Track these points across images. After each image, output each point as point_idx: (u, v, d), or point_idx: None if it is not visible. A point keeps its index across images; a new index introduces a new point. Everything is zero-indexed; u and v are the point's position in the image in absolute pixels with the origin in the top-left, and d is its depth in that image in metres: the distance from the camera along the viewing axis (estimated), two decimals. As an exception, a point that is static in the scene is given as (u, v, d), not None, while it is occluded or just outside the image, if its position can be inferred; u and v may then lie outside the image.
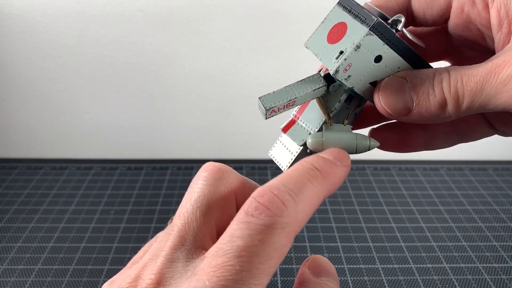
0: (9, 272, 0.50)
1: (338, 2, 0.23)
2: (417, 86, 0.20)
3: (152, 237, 0.56)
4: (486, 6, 0.21)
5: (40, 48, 0.69)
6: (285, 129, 0.25)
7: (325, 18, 0.23)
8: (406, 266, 0.51)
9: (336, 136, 0.23)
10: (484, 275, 0.50)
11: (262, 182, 0.61)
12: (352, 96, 0.24)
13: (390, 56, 0.21)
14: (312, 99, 0.23)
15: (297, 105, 0.23)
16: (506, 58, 0.18)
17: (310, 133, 0.24)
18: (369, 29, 0.20)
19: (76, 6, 0.66)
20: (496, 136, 0.25)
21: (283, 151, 0.25)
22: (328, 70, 0.22)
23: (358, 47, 0.21)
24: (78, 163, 0.75)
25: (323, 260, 0.22)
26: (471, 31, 0.23)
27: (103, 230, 0.57)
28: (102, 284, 0.48)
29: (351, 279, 0.49)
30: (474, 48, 0.24)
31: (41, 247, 0.54)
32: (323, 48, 0.22)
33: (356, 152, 0.23)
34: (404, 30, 0.22)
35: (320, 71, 0.24)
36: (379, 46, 0.21)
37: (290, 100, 0.22)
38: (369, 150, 0.23)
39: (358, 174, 0.72)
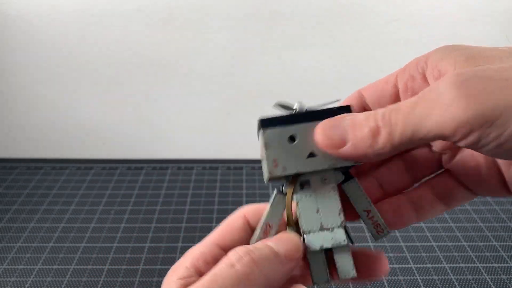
0: (9, 272, 0.50)
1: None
2: (355, 121, 0.21)
3: (152, 237, 0.56)
4: (424, 77, 0.22)
5: (40, 48, 0.69)
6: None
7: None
8: (406, 266, 0.51)
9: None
10: (484, 275, 0.50)
11: (261, 182, 0.60)
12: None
13: (301, 128, 0.23)
14: (281, 212, 0.24)
15: (275, 225, 0.24)
16: (433, 85, 0.19)
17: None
18: (260, 129, 0.23)
19: (76, 6, 0.66)
20: None
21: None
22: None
23: (266, 144, 0.22)
24: (78, 163, 0.75)
25: None
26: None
27: (103, 230, 0.57)
28: (102, 284, 0.48)
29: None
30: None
31: (41, 247, 0.54)
32: (263, 169, 0.24)
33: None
34: (312, 106, 0.23)
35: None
36: (282, 131, 0.22)
37: (263, 227, 0.24)
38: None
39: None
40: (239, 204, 0.50)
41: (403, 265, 0.51)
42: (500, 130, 0.17)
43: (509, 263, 0.52)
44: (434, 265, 0.51)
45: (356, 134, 0.20)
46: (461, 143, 0.18)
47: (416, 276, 0.50)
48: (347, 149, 0.21)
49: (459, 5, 0.67)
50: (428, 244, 0.55)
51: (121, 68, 0.71)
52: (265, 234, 0.24)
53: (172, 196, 0.65)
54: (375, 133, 0.20)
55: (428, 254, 0.53)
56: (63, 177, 0.70)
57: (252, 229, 0.25)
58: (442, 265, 0.52)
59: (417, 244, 0.55)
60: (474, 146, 0.18)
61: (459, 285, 0.48)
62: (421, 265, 0.51)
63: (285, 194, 0.24)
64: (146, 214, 0.61)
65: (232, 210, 0.26)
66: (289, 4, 0.67)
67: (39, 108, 0.74)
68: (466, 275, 0.50)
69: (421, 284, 0.49)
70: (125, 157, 0.77)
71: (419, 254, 0.53)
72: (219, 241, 0.24)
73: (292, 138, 0.23)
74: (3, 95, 0.73)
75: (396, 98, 0.24)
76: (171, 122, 0.75)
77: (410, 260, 0.52)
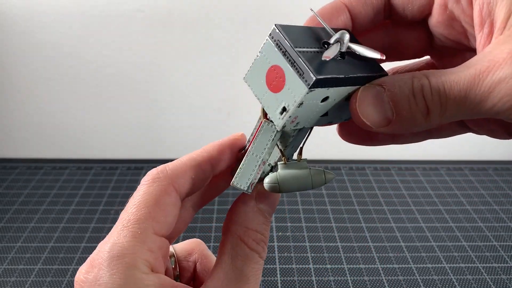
0: (9, 272, 0.50)
1: (270, 35, 0.20)
2: (396, 94, 0.19)
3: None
4: (471, 3, 0.20)
5: (40, 48, 0.69)
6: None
7: (259, 52, 0.21)
8: (406, 266, 0.51)
9: (291, 176, 0.23)
10: (484, 275, 0.50)
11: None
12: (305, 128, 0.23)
13: (337, 91, 0.20)
14: (273, 146, 0.23)
15: (268, 163, 0.23)
16: (489, 64, 0.17)
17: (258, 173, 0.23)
18: (309, 89, 0.19)
19: (76, 6, 0.66)
20: None
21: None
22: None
23: (300, 104, 0.20)
24: (78, 163, 0.75)
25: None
26: (454, 28, 0.22)
27: (103, 230, 0.57)
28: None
29: (351, 279, 0.49)
30: (455, 46, 0.23)
31: (41, 247, 0.54)
32: (265, 94, 0.21)
33: (312, 188, 0.23)
34: (354, 47, 0.21)
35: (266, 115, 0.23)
36: (322, 93, 0.20)
37: (259, 164, 0.22)
38: (325, 183, 0.23)
39: (358, 174, 0.72)
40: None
41: (403, 265, 0.51)
42: None
43: (509, 263, 0.52)
44: (434, 265, 0.51)
45: (401, 114, 0.18)
46: None
47: (416, 276, 0.50)
48: (391, 128, 0.19)
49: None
50: (428, 244, 0.55)
51: (121, 68, 0.71)
52: (259, 170, 0.23)
53: (172, 196, 0.65)
54: (425, 114, 0.18)
55: (428, 254, 0.53)
56: (63, 177, 0.70)
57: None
58: (442, 265, 0.52)
59: (417, 244, 0.55)
60: None
61: (459, 285, 0.48)
62: (421, 265, 0.51)
63: (272, 125, 0.22)
64: (146, 214, 0.61)
65: (232, 210, 0.25)
66: (289, 4, 0.67)
67: (39, 108, 0.74)
68: (466, 275, 0.50)
69: (421, 284, 0.49)
70: (125, 157, 0.77)
71: (419, 254, 0.53)
72: (153, 226, 0.22)
73: (324, 99, 0.20)
74: (3, 95, 0.73)
75: (429, 7, 0.22)
76: (171, 122, 0.75)
77: (410, 260, 0.52)
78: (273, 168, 0.24)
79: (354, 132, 0.25)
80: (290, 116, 0.20)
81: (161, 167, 0.23)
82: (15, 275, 0.50)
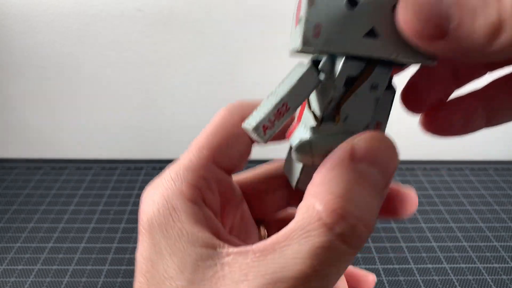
0: (9, 272, 0.50)
1: None
2: (465, 3, 0.13)
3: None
4: None
5: (40, 48, 0.69)
6: (288, 135, 0.20)
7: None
8: (407, 266, 0.51)
9: (324, 145, 0.17)
10: (485, 275, 0.50)
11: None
12: (355, 76, 0.17)
13: None
14: (308, 93, 0.17)
15: (292, 108, 0.17)
16: None
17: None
18: None
19: (76, 6, 0.66)
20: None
21: (291, 166, 0.20)
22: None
23: (311, 1, 0.15)
24: (78, 163, 0.74)
25: (378, 141, 0.16)
26: None
27: (102, 231, 0.57)
28: (101, 284, 0.48)
29: (351, 280, 0.49)
30: None
31: (40, 247, 0.54)
32: (293, 36, 0.16)
33: None
34: None
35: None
36: None
37: (278, 105, 0.16)
38: None
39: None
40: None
41: (404, 266, 0.51)
42: None
43: (510, 264, 0.52)
44: (434, 266, 0.51)
45: (464, 23, 0.13)
46: None
47: (416, 276, 0.50)
48: (446, 43, 0.14)
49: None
50: (429, 244, 0.55)
51: (120, 68, 0.70)
52: (278, 115, 0.16)
53: (172, 196, 0.65)
54: (495, 29, 0.13)
55: (428, 255, 0.53)
56: (62, 177, 0.70)
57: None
58: (443, 265, 0.51)
59: (418, 244, 0.55)
60: None
61: (459, 286, 0.48)
62: (422, 266, 0.51)
63: (320, 72, 0.17)
64: (146, 214, 0.60)
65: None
66: (289, 4, 0.66)
67: (39, 108, 0.73)
68: (466, 276, 0.50)
69: (422, 285, 0.48)
70: (124, 157, 0.76)
71: (419, 255, 0.53)
72: (214, 155, 0.19)
73: (352, 2, 0.15)
74: (3, 95, 0.73)
75: None
76: (171, 122, 0.75)
77: (411, 261, 0.52)
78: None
79: (452, 122, 0.18)
80: (307, 20, 0.15)
81: (237, 101, 0.20)
82: (15, 275, 0.50)
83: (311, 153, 0.17)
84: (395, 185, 0.20)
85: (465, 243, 0.55)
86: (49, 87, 0.72)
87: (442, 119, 0.19)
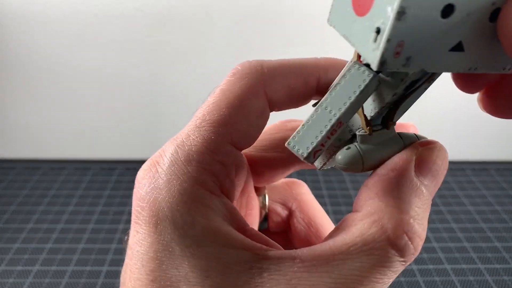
0: (7, 273, 0.50)
1: None
2: None
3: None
4: None
5: (39, 48, 0.69)
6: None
7: None
8: (408, 267, 0.51)
9: (377, 156, 0.16)
10: (486, 276, 0.50)
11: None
12: (418, 80, 0.15)
13: None
14: (363, 103, 0.15)
15: (345, 124, 0.15)
16: None
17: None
18: None
19: (76, 6, 0.66)
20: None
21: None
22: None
23: (402, 12, 0.12)
24: (77, 164, 0.74)
25: (435, 154, 0.14)
26: None
27: (101, 231, 0.57)
28: (100, 285, 0.48)
29: (352, 281, 0.49)
30: None
31: (39, 248, 0.54)
32: (352, 24, 0.14)
33: None
34: None
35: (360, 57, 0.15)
36: None
37: (332, 125, 0.14)
38: None
39: (359, 174, 0.71)
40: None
41: (405, 266, 0.51)
42: None
43: (511, 264, 0.51)
44: (435, 266, 0.51)
45: None
46: None
47: (417, 277, 0.49)
48: None
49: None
50: (430, 245, 0.55)
51: (120, 68, 0.70)
52: (331, 135, 0.15)
53: (171, 196, 0.65)
54: None
55: (429, 255, 0.53)
56: (61, 177, 0.70)
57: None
58: (444, 266, 0.51)
59: (419, 245, 0.55)
60: None
61: (460, 286, 0.48)
62: (423, 266, 0.51)
63: (364, 70, 0.15)
64: (145, 215, 0.60)
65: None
66: (289, 4, 0.66)
67: (37, 108, 0.73)
68: (467, 276, 0.50)
69: (423, 285, 0.48)
70: (124, 158, 0.76)
71: (420, 256, 0.53)
72: (232, 135, 0.15)
73: (447, 11, 0.12)
74: (2, 95, 0.72)
75: None
76: (171, 122, 0.75)
77: (412, 261, 0.52)
78: (353, 139, 0.17)
79: (505, 97, 0.15)
80: (389, 39, 0.12)
81: (255, 62, 0.16)
82: (13, 276, 0.49)
83: (362, 166, 0.16)
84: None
85: (466, 244, 0.55)
86: (48, 87, 0.72)
87: (502, 99, 0.15)
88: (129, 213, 0.60)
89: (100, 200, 0.64)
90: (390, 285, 0.51)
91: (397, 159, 0.15)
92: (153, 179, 0.15)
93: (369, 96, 0.15)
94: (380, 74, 0.15)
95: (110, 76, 0.71)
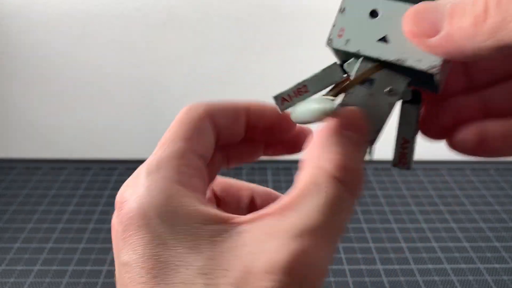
0: (8, 273, 0.50)
1: None
2: (457, 5, 0.16)
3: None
4: None
5: (39, 48, 0.69)
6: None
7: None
8: (407, 267, 0.51)
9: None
10: (486, 276, 0.50)
11: (262, 183, 0.60)
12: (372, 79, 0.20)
13: (387, 6, 0.19)
14: (328, 83, 0.20)
15: (311, 92, 0.20)
16: None
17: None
18: None
19: (76, 6, 0.66)
20: None
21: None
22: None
23: (342, 9, 0.20)
24: (77, 163, 0.74)
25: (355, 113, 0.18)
26: None
27: (102, 231, 0.57)
28: (101, 285, 0.48)
29: (351, 280, 0.49)
30: None
31: (40, 247, 0.54)
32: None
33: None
34: None
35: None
36: (366, 0, 0.19)
37: (299, 85, 0.20)
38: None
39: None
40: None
41: (404, 266, 0.51)
42: None
43: (511, 264, 0.52)
44: (435, 266, 0.51)
45: (454, 21, 0.15)
46: None
47: (417, 277, 0.49)
48: (437, 38, 0.16)
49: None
50: (429, 245, 0.55)
51: (120, 68, 0.70)
52: (297, 93, 0.20)
53: (171, 196, 0.65)
54: (481, 19, 0.15)
55: (429, 255, 0.53)
56: (61, 177, 0.70)
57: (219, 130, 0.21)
58: (443, 266, 0.51)
59: (418, 244, 0.55)
60: None
61: (460, 286, 0.48)
62: (422, 266, 0.51)
63: (342, 72, 0.20)
64: (146, 215, 0.60)
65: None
66: (289, 4, 0.66)
67: (38, 108, 0.73)
68: (467, 276, 0.50)
69: (422, 285, 0.48)
70: (124, 158, 0.76)
71: (420, 255, 0.53)
72: (191, 146, 0.20)
73: (373, 13, 0.19)
74: (3, 95, 0.72)
75: None
76: (170, 122, 0.75)
77: (411, 261, 0.52)
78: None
79: (466, 140, 0.19)
80: (334, 25, 0.20)
81: (201, 103, 0.22)
82: (14, 276, 0.49)
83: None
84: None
85: (466, 244, 0.55)
86: (48, 87, 0.72)
87: (461, 140, 0.20)
88: (129, 213, 0.61)
89: (100, 200, 0.64)
90: (391, 284, 0.51)
91: (327, 122, 0.19)
92: (134, 190, 0.17)
93: (332, 79, 0.20)
94: (345, 66, 0.20)
95: (110, 76, 0.71)
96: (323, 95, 0.20)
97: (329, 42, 0.20)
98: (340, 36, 0.20)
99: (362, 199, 0.64)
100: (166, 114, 0.74)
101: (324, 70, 0.20)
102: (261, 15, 0.67)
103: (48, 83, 0.71)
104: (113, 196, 0.64)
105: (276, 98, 0.20)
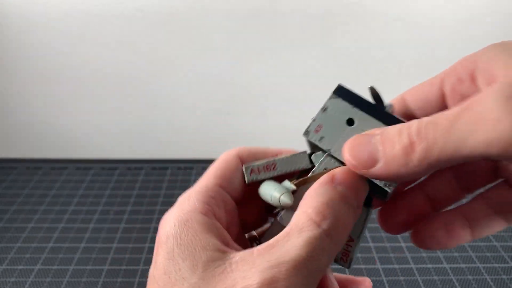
0: (9, 272, 0.50)
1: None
2: (386, 137, 0.19)
3: (151, 237, 0.56)
4: (473, 79, 0.20)
5: (40, 48, 0.69)
6: None
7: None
8: (407, 266, 0.51)
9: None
10: (485, 275, 0.50)
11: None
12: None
13: (364, 118, 0.22)
14: (294, 167, 0.23)
15: (278, 171, 0.23)
16: (480, 95, 0.17)
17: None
18: (333, 93, 0.22)
19: (76, 6, 0.66)
20: None
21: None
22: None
23: (325, 108, 0.22)
24: (78, 163, 0.74)
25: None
26: None
27: (102, 231, 0.57)
28: (101, 284, 0.48)
29: (351, 280, 0.49)
30: None
31: (40, 247, 0.54)
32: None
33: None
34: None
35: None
36: (347, 108, 0.22)
37: (269, 162, 0.23)
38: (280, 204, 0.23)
39: (358, 174, 0.72)
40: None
41: (404, 266, 0.51)
42: None
43: (510, 263, 0.52)
44: (434, 266, 0.51)
45: (387, 151, 0.18)
46: None
47: (416, 276, 0.50)
48: (378, 169, 0.19)
49: (459, 5, 0.66)
50: (429, 244, 0.55)
51: (120, 67, 0.70)
52: (266, 168, 0.23)
53: (171, 196, 0.65)
54: (409, 150, 0.17)
55: (428, 255, 0.53)
56: (62, 177, 0.70)
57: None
58: (443, 265, 0.51)
59: (418, 244, 0.55)
60: None
61: (459, 286, 0.48)
62: (422, 266, 0.51)
63: (309, 161, 0.23)
64: (146, 215, 0.61)
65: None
66: (289, 4, 0.66)
67: (39, 108, 0.73)
68: (466, 275, 0.50)
69: (422, 285, 0.48)
70: (124, 157, 0.76)
71: (419, 255, 0.53)
72: (220, 182, 0.23)
73: (350, 122, 0.22)
74: (3, 95, 0.73)
75: (442, 103, 0.22)
76: (171, 122, 0.75)
77: (411, 261, 0.52)
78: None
79: (436, 237, 0.23)
80: (314, 120, 0.22)
81: (234, 149, 0.25)
82: (15, 275, 0.50)
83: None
84: (351, 277, 0.27)
85: (465, 243, 0.55)
86: (48, 87, 0.72)
87: (425, 234, 0.23)
88: (130, 213, 0.61)
89: (101, 199, 0.64)
90: (390, 284, 0.52)
91: (321, 177, 0.21)
92: (166, 216, 0.22)
93: (300, 165, 0.23)
94: (312, 157, 0.23)
95: (110, 76, 0.71)
96: (289, 180, 0.23)
97: (306, 133, 0.22)
98: (317, 131, 0.22)
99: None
100: (166, 114, 0.74)
101: (294, 155, 0.23)
102: (261, 16, 0.67)
103: (48, 83, 0.71)
104: (113, 196, 0.65)
105: (246, 168, 0.23)
